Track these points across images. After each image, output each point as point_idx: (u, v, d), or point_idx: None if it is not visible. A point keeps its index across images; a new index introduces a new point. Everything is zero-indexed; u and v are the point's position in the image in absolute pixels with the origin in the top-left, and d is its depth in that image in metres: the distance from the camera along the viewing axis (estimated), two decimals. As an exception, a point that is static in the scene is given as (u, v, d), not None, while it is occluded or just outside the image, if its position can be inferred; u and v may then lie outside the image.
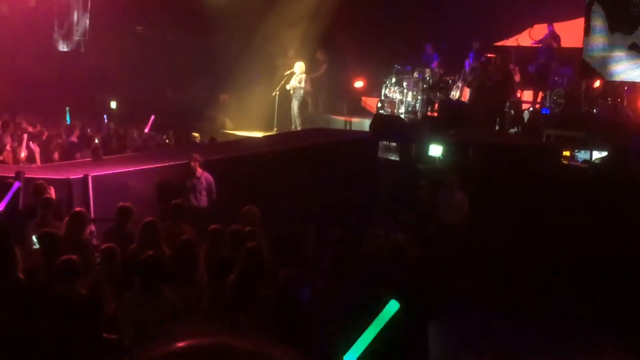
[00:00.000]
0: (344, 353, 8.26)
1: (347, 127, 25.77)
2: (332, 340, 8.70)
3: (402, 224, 14.19)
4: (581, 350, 13.57)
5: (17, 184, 13.83)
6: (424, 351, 10.11)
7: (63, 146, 20.83)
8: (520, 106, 23.59)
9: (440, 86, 24.70)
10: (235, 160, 18.03)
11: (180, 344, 2.16)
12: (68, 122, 23.77)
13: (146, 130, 24.40)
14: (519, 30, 25.45)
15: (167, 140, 23.85)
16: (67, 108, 24.45)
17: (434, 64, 25.38)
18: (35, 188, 13.48)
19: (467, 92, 24.00)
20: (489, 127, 23.01)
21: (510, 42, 25.24)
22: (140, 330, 8.27)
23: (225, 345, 2.15)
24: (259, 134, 24.90)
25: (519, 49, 24.76)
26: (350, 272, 9.95)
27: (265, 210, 13.45)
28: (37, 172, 15.44)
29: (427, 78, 24.68)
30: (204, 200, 16.04)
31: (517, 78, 23.65)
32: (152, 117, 24.68)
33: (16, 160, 18.66)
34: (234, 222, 12.37)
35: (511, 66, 23.25)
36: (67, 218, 12.10)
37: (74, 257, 8.94)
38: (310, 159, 18.30)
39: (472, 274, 15.99)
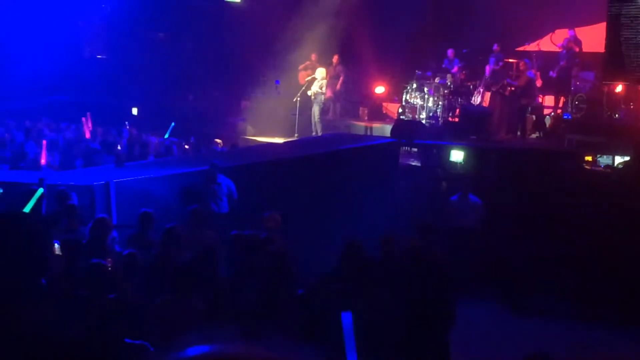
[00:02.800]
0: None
1: (368, 133, 25.74)
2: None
3: (420, 228, 14.14)
4: (596, 354, 13.57)
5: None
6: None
7: (85, 152, 20.90)
8: (542, 111, 23.49)
9: (462, 91, 24.64)
10: (256, 166, 18.04)
11: (200, 352, 2.15)
12: (90, 128, 23.83)
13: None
14: (540, 35, 25.39)
15: (186, 147, 23.89)
16: (88, 113, 24.50)
17: (455, 69, 25.34)
18: (59, 194, 13.55)
19: (488, 97, 23.92)
20: (511, 132, 22.98)
21: (531, 47, 25.15)
22: (165, 336, 8.29)
23: (243, 355, 2.14)
24: (280, 140, 24.89)
25: (540, 53, 24.69)
26: (365, 277, 9.94)
27: (287, 216, 13.46)
28: (60, 179, 15.49)
29: (449, 83, 24.62)
30: (224, 206, 16.06)
31: (538, 83, 23.58)
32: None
33: (39, 166, 18.74)
34: (255, 228, 12.40)
35: (532, 71, 23.18)
36: (89, 224, 12.16)
37: (102, 262, 8.99)
38: (331, 165, 18.29)
39: (490, 278, 16.02)
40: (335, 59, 27.47)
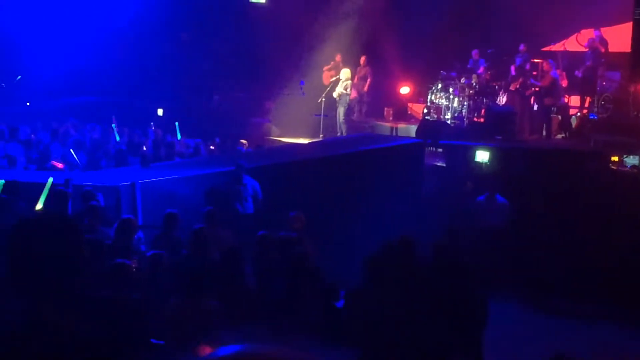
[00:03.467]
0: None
1: (393, 133, 25.71)
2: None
3: (446, 229, 14.13)
4: (620, 355, 13.53)
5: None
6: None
7: (111, 153, 20.98)
8: (568, 111, 23.41)
9: (487, 92, 24.56)
10: (281, 167, 18.05)
11: (231, 352, 2.14)
12: (115, 131, 23.90)
13: None
14: (566, 35, 25.29)
15: (212, 147, 23.93)
16: (113, 116, 24.56)
17: (481, 70, 25.27)
18: (84, 195, 13.62)
19: (512, 96, 23.84)
20: (535, 132, 22.94)
21: (557, 47, 25.07)
22: (184, 336, 8.32)
23: (274, 355, 2.13)
24: (305, 141, 24.90)
25: (566, 53, 24.60)
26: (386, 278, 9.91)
27: (312, 216, 13.48)
28: (86, 179, 15.56)
29: (474, 84, 24.56)
30: (250, 207, 16.08)
31: (564, 83, 23.50)
32: None
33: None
34: (280, 228, 12.42)
35: (557, 71, 23.10)
36: (115, 225, 12.22)
37: (126, 261, 9.03)
38: (356, 165, 18.29)
39: (515, 278, 15.99)
40: (362, 60, 27.42)
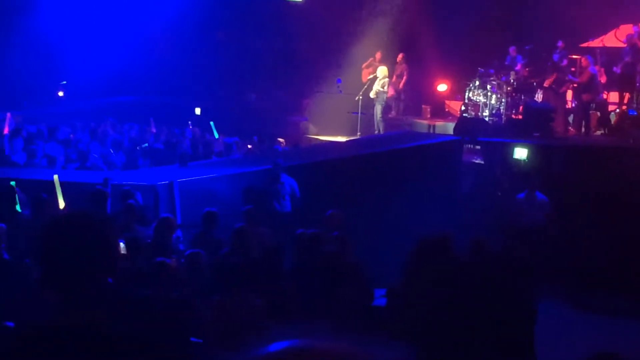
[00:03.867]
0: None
1: (431, 131, 25.63)
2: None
3: (485, 226, 14.07)
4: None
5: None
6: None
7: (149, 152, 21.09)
8: (607, 107, 23.25)
9: (525, 88, 24.43)
10: (319, 165, 18.06)
11: (283, 347, 2.13)
12: (154, 131, 23.99)
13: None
14: (604, 31, 25.12)
15: (249, 146, 23.98)
16: (151, 119, 24.59)
17: (518, 67, 25.14)
18: (122, 194, 13.70)
19: (546, 92, 23.73)
20: (573, 128, 22.85)
21: (595, 43, 24.90)
22: (227, 333, 8.33)
23: (328, 350, 2.11)
24: (342, 139, 24.90)
25: (604, 49, 24.43)
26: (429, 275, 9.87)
27: (350, 214, 13.46)
28: (124, 178, 15.64)
29: (512, 80, 24.44)
30: (287, 205, 16.10)
31: (602, 79, 23.33)
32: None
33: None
34: (318, 227, 12.41)
35: (596, 67, 22.93)
36: (154, 224, 12.27)
37: (166, 260, 9.07)
38: (394, 163, 18.27)
39: (554, 276, 15.89)
40: (399, 57, 27.37)
